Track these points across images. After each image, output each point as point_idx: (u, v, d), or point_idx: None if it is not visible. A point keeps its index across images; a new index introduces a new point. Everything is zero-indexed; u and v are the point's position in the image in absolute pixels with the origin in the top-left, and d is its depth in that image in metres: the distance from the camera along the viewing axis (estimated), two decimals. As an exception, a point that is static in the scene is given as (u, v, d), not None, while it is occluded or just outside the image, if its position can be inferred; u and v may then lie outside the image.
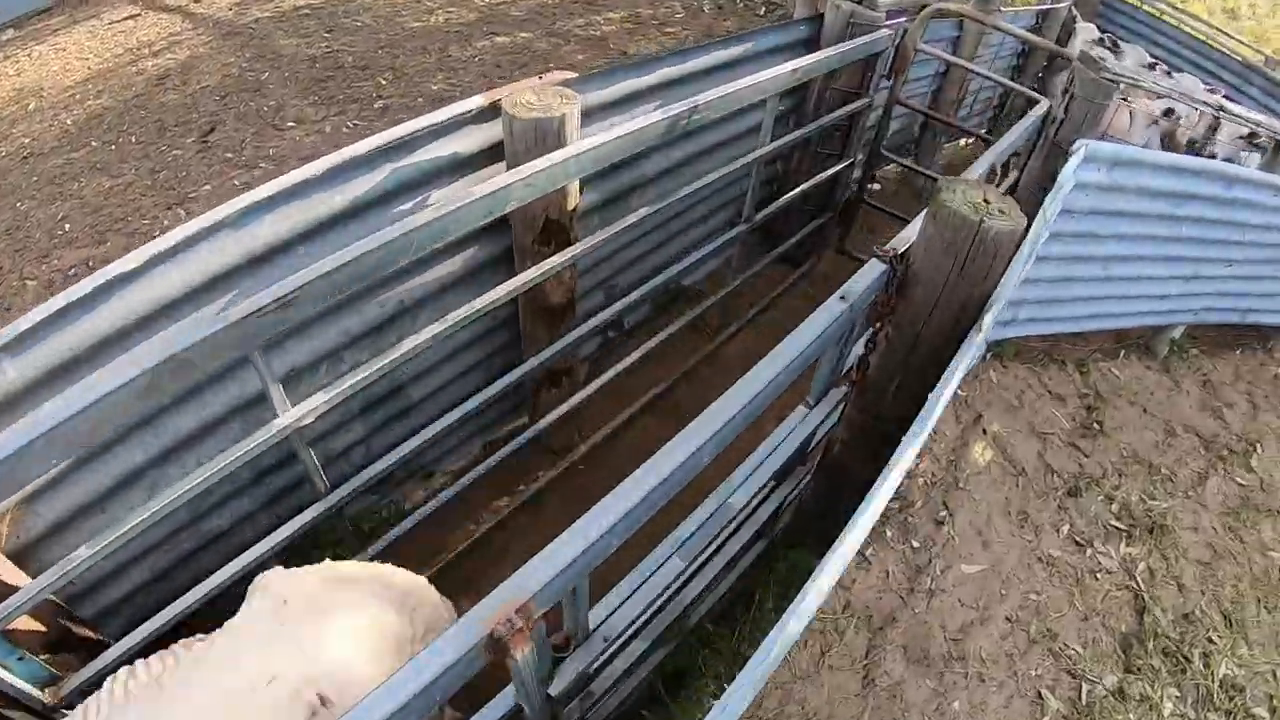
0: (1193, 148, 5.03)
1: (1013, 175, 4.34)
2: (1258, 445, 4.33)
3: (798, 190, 4.37)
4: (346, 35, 7.84)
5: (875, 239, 5.16)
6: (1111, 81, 3.62)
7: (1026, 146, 4.10)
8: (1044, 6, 6.34)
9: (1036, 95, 4.40)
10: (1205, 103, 4.51)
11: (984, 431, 3.90)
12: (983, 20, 4.52)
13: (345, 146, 2.55)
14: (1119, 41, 5.97)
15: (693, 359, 4.50)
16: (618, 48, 7.44)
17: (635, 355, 3.81)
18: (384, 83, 6.87)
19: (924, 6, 4.28)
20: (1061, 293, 3.72)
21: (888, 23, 4.14)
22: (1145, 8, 7.55)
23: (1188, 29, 7.58)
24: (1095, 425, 4.14)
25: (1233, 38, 7.93)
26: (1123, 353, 4.69)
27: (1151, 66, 5.76)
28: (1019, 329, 3.86)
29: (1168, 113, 5.07)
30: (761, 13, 8.78)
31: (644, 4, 8.63)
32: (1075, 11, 6.36)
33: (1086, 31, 6.10)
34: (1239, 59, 7.09)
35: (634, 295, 3.52)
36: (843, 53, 3.88)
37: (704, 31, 8.06)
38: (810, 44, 4.32)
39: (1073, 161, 2.73)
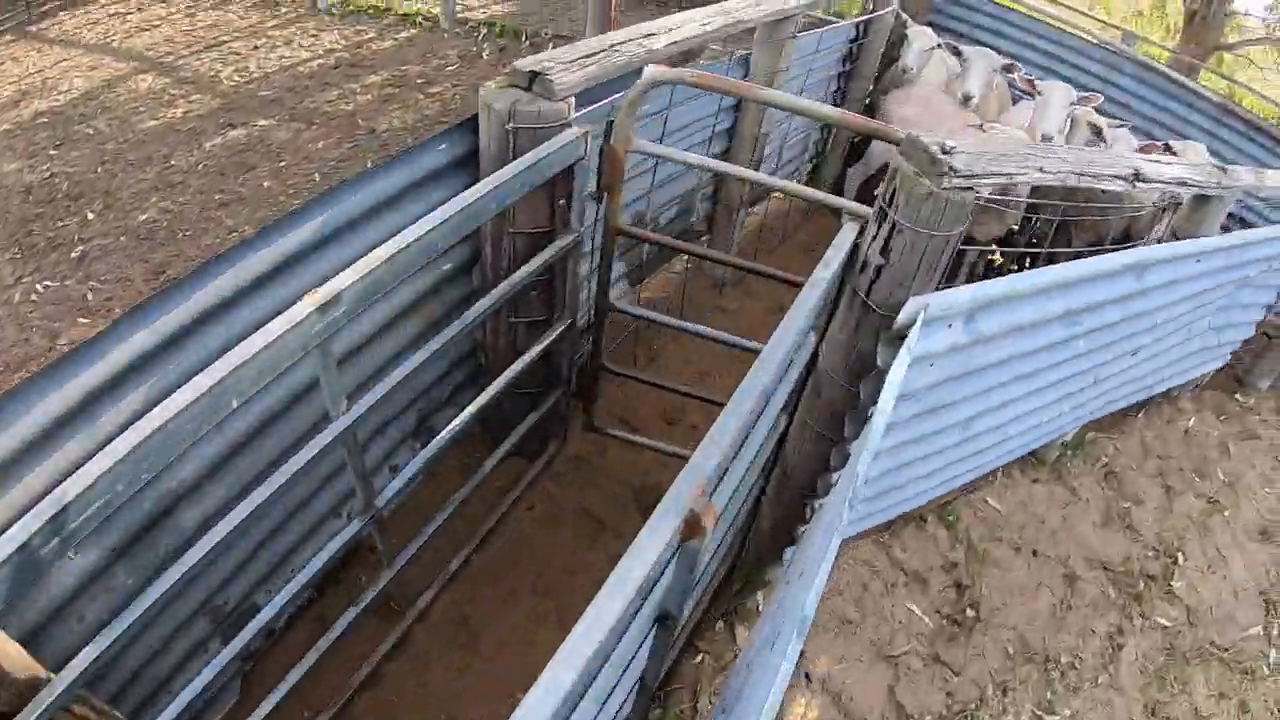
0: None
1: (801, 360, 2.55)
2: (1178, 554, 3.60)
3: (497, 383, 2.92)
4: (74, 150, 6.91)
5: (639, 399, 4.09)
6: (963, 189, 2.05)
7: (824, 305, 2.40)
8: (865, 15, 5.27)
9: (852, 208, 2.38)
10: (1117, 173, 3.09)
11: (807, 680, 2.81)
12: (736, 90, 2.73)
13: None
14: (959, 49, 5.01)
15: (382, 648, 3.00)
16: (367, 124, 6.57)
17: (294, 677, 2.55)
18: (91, 216, 5.99)
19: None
20: (900, 478, 2.81)
21: (578, 115, 2.77)
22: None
23: (1038, 16, 6.65)
24: (969, 613, 3.21)
25: (1087, 15, 7.07)
26: (1000, 472, 3.76)
27: (1009, 69, 4.96)
28: (851, 528, 2.93)
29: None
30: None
31: (414, 59, 7.71)
32: (904, 15, 5.41)
33: (921, 38, 5.11)
34: (1105, 45, 6.19)
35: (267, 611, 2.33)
36: (494, 189, 2.34)
37: (476, 84, 7.17)
38: (469, 164, 2.85)
39: (901, 355, 1.89)
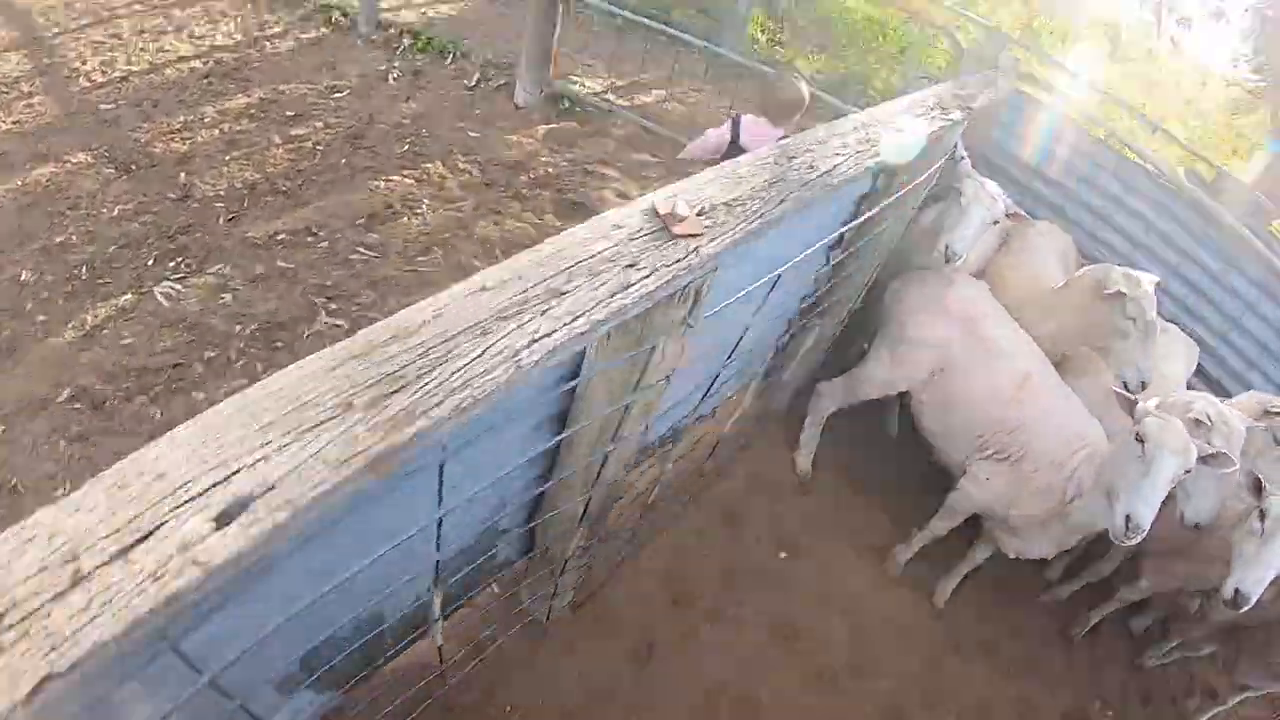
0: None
1: None
2: None
3: None
4: None
5: None
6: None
7: None
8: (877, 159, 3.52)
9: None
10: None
11: None
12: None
13: None
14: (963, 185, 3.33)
15: None
16: (188, 181, 4.99)
17: None
18: None
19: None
20: None
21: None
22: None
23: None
24: None
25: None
26: None
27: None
28: None
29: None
30: (473, 83, 6.18)
31: (305, 71, 6.09)
32: (962, 153, 3.67)
33: (982, 200, 3.31)
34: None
35: None
36: None
37: (358, 126, 5.54)
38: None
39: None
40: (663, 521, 3.21)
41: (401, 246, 4.17)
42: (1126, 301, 2.99)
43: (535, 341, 1.17)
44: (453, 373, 1.11)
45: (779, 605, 3.24)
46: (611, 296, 1.27)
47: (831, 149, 2.07)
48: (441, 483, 1.33)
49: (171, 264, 4.16)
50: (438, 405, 1.08)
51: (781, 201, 1.69)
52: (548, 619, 2.79)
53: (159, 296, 3.91)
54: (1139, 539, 2.51)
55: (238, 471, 0.94)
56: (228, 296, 3.86)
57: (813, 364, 3.67)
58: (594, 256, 1.33)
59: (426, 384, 1.10)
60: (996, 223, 3.25)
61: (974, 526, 3.42)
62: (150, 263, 4.20)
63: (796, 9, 8.99)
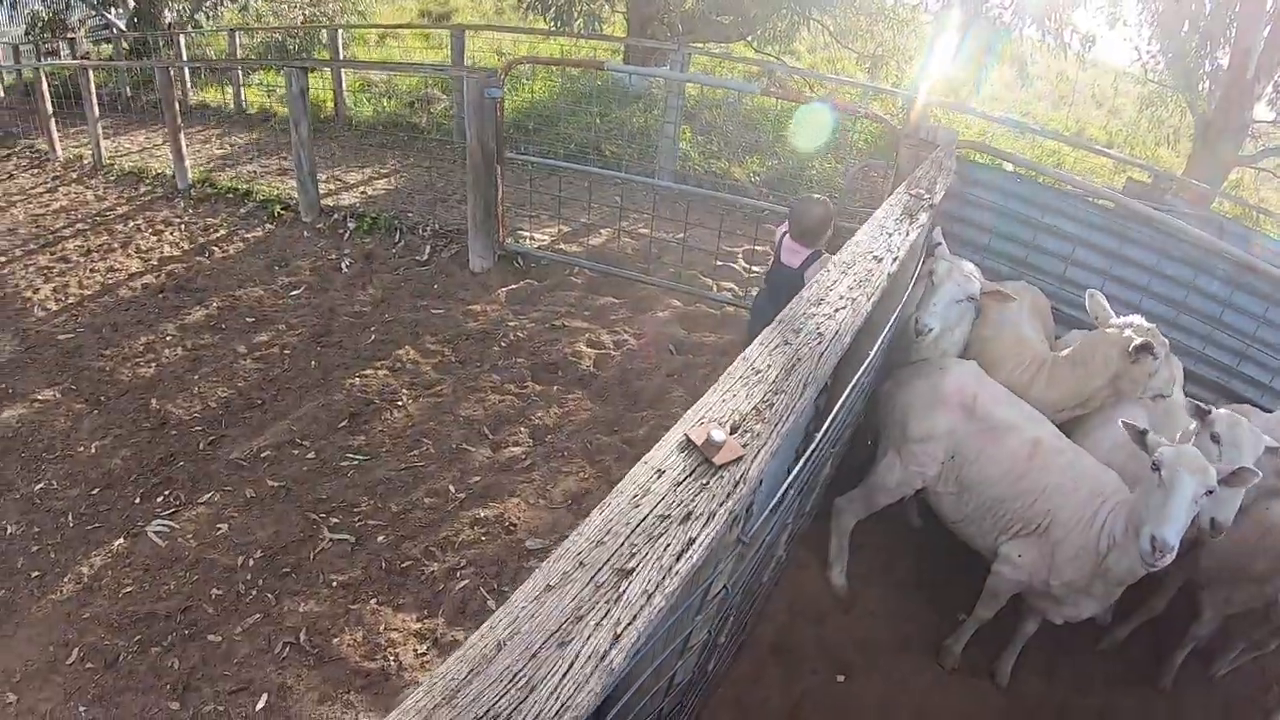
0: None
1: None
2: None
3: None
4: None
5: None
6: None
7: None
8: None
9: None
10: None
11: None
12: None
13: None
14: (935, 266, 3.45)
15: None
16: (160, 407, 4.93)
17: None
18: None
19: None
20: None
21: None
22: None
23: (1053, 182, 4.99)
24: None
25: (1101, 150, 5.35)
26: None
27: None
28: None
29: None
30: (425, 257, 6.30)
31: (258, 272, 6.16)
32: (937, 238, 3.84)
33: (954, 279, 3.43)
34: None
35: None
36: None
37: (321, 325, 5.58)
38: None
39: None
40: (715, 676, 3.13)
41: (390, 444, 4.15)
42: (1155, 350, 3.13)
43: (619, 636, 1.15)
44: (548, 697, 1.08)
45: None
46: (679, 560, 1.26)
47: (831, 307, 2.13)
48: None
49: (159, 499, 4.08)
50: (545, 742, 1.05)
51: (804, 387, 1.73)
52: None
53: (153, 536, 3.82)
54: (1168, 560, 2.55)
55: None
56: (224, 526, 3.77)
57: (827, 484, 3.68)
58: (649, 517, 1.33)
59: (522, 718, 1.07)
60: (973, 300, 3.36)
61: (1018, 597, 3.40)
62: (137, 500, 4.12)
63: (721, 119, 9.39)
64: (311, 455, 4.12)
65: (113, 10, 13.63)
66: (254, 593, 3.43)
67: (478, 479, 3.89)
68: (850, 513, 3.60)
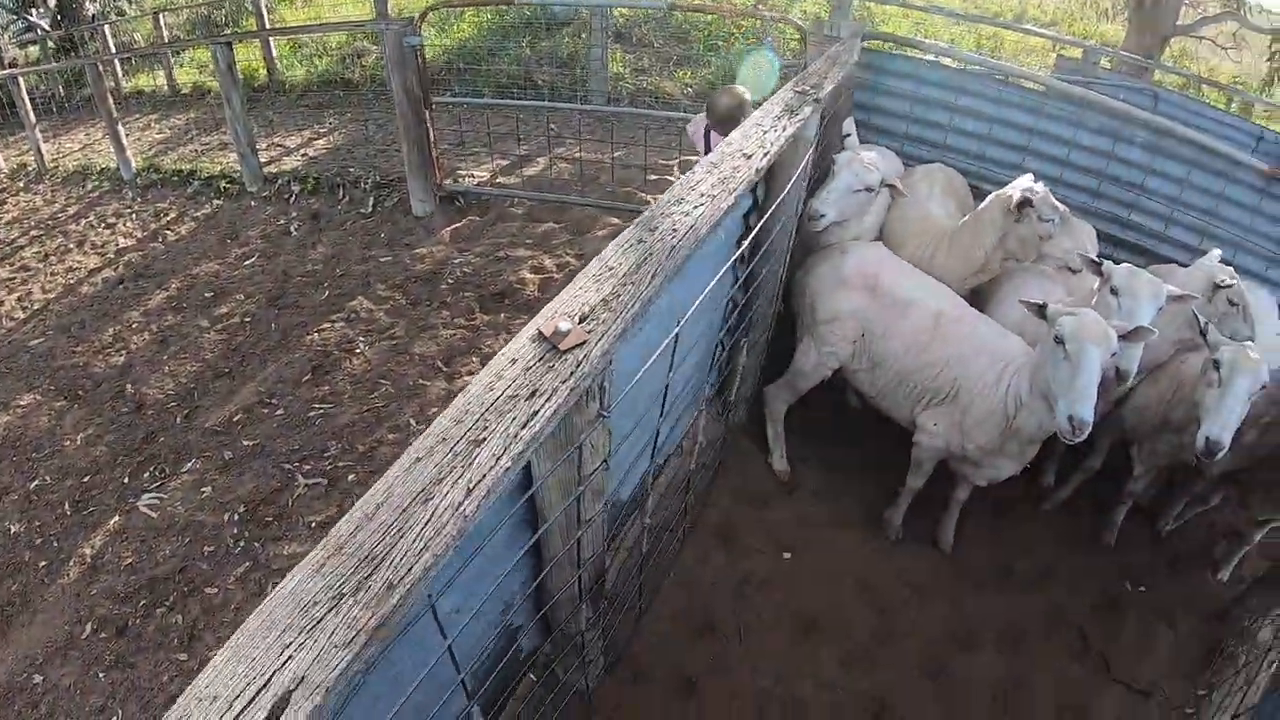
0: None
1: None
2: None
3: None
4: None
5: None
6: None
7: None
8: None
9: None
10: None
11: None
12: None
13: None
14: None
15: None
16: (136, 390, 5.16)
17: None
18: None
19: None
20: None
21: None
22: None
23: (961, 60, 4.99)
24: None
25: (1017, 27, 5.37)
26: None
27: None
28: None
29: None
30: (369, 210, 6.41)
31: (212, 248, 6.29)
32: (850, 129, 3.98)
33: (853, 167, 3.50)
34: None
35: None
36: None
37: (276, 286, 5.74)
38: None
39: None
40: (665, 564, 3.41)
41: (351, 391, 4.37)
42: (1039, 207, 3.24)
43: (470, 491, 1.40)
44: (413, 541, 1.33)
45: (796, 603, 3.40)
46: (523, 429, 1.49)
47: (691, 204, 2.31)
48: (438, 621, 1.55)
49: (146, 475, 4.33)
50: (409, 571, 1.30)
51: (654, 277, 1.93)
52: (589, 689, 2.98)
53: (144, 510, 4.08)
54: (1086, 434, 2.65)
55: (272, 676, 1.15)
56: (207, 489, 4.03)
57: (758, 372, 3.90)
58: (500, 398, 1.56)
59: (395, 557, 1.33)
60: (870, 189, 3.45)
61: (948, 466, 3.57)
62: (126, 480, 4.37)
63: (651, 33, 9.34)
64: (280, 412, 4.36)
65: (34, 11, 13.31)
66: (241, 544, 3.71)
67: (436, 410, 4.13)
68: (779, 399, 3.80)
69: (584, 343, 1.68)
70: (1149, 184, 4.36)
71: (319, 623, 1.26)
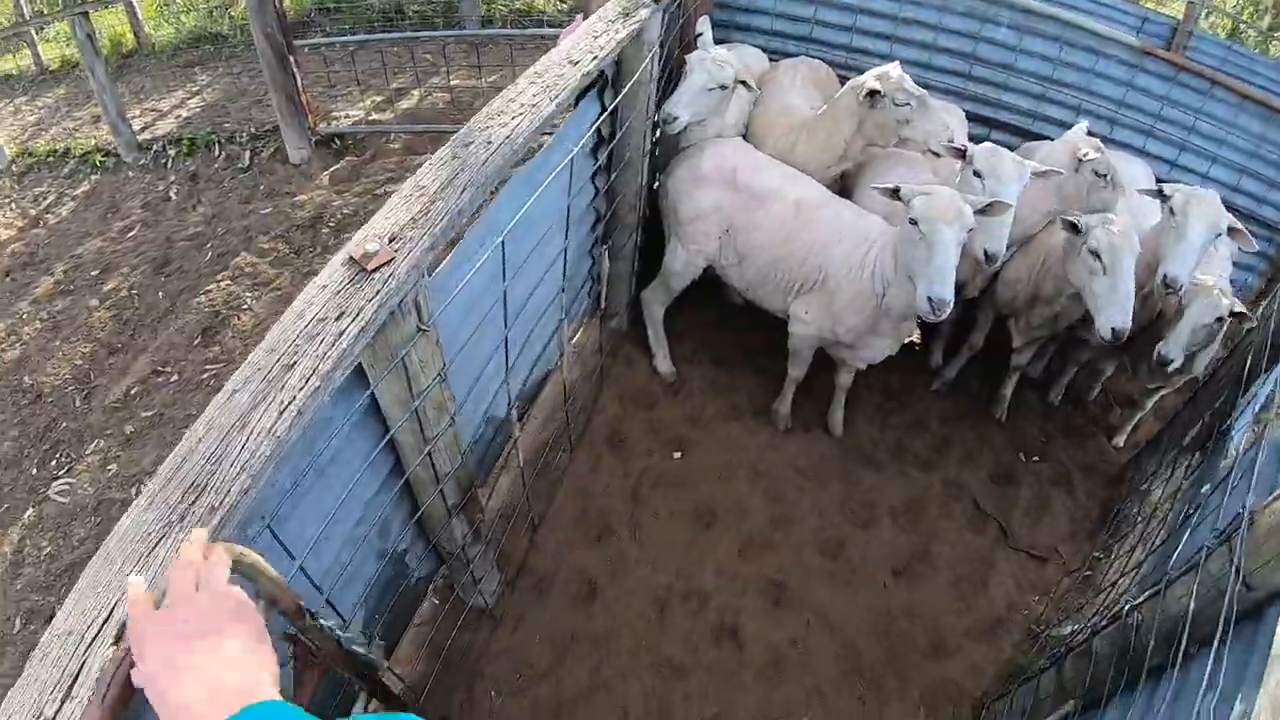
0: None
1: None
2: None
3: None
4: None
5: None
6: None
7: None
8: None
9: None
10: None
11: None
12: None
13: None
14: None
15: None
16: (33, 381, 5.06)
17: None
18: None
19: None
20: None
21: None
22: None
23: None
24: None
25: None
26: None
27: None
28: None
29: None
30: (246, 164, 6.23)
31: (93, 225, 6.08)
32: (704, 30, 3.84)
33: (705, 66, 3.36)
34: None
35: None
36: None
37: (162, 255, 5.61)
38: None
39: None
40: (555, 474, 3.52)
41: (242, 347, 4.36)
42: (891, 93, 3.23)
43: (282, 413, 1.47)
44: (230, 465, 1.41)
45: (692, 499, 3.50)
46: (330, 349, 1.56)
47: (509, 115, 2.32)
48: (281, 542, 1.64)
49: (53, 463, 4.30)
50: (229, 493, 1.39)
51: (463, 190, 1.97)
52: (489, 605, 3.11)
53: (55, 498, 4.07)
54: (948, 313, 2.71)
55: (115, 607, 1.24)
56: (113, 467, 4.03)
57: (632, 279, 3.95)
58: (310, 322, 1.62)
59: (216, 482, 1.41)
60: (724, 87, 3.36)
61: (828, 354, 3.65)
62: (35, 471, 4.33)
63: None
64: (175, 378, 4.34)
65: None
66: (154, 514, 3.74)
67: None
68: (656, 302, 3.85)
69: (390, 260, 1.74)
70: (1019, 64, 4.37)
71: (152, 552, 1.35)
